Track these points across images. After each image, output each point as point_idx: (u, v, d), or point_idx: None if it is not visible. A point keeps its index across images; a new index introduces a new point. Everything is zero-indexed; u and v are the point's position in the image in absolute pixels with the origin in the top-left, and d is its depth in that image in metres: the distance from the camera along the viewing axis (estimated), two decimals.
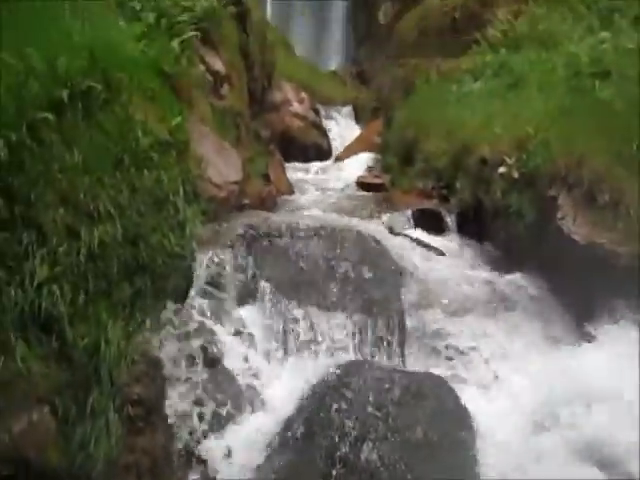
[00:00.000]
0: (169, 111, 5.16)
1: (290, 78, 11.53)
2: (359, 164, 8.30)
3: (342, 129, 10.95)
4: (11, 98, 3.23)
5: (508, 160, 4.69)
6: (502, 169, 4.66)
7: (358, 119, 11.33)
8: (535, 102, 6.41)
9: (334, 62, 18.11)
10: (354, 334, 3.92)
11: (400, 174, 6.74)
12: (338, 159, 9.25)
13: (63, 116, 3.60)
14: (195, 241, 4.07)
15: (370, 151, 8.72)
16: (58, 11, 5.66)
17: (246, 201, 5.31)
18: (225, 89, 8.00)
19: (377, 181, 6.85)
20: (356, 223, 4.63)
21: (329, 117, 11.27)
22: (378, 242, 4.38)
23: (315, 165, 8.95)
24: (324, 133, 10.40)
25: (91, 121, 3.85)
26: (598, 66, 6.75)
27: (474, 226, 5.07)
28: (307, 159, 9.62)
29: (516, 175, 4.57)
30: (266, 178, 6.58)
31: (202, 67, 7.74)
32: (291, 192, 6.63)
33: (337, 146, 10.35)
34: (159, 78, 5.81)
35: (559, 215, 4.04)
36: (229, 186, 4.72)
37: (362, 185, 6.92)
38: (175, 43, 6.74)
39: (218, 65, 7.99)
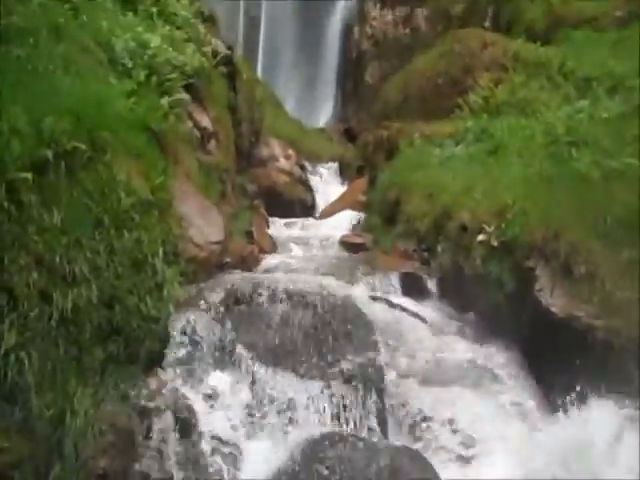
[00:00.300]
0: (153, 169, 5.21)
1: (278, 134, 11.76)
2: (343, 222, 8.37)
3: (327, 186, 11.11)
4: None
5: (487, 228, 4.76)
6: (481, 237, 4.72)
7: (343, 176, 11.50)
8: (514, 168, 6.58)
9: (322, 119, 18.56)
10: (331, 404, 3.84)
11: (382, 234, 6.80)
12: (322, 216, 9.33)
13: (45, 176, 3.60)
14: (172, 304, 4.02)
15: (354, 209, 8.81)
16: (49, 66, 5.77)
17: (227, 260, 5.29)
18: (212, 145, 8.14)
19: (359, 241, 6.90)
20: (337, 286, 4.62)
21: (315, 173, 11.44)
22: (359, 308, 4.36)
23: (299, 221, 9.00)
24: (309, 189, 10.54)
25: (73, 180, 3.85)
26: (574, 135, 7.00)
27: (455, 292, 5.09)
28: (292, 214, 9.69)
29: (495, 243, 4.63)
30: (249, 235, 6.59)
31: (190, 123, 7.89)
32: (274, 250, 6.64)
33: (322, 202, 10.45)
34: (146, 135, 5.89)
35: (537, 287, 4.07)
36: (210, 246, 4.71)
37: (345, 244, 6.96)
38: (164, 101, 6.88)
39: (206, 122, 8.15)
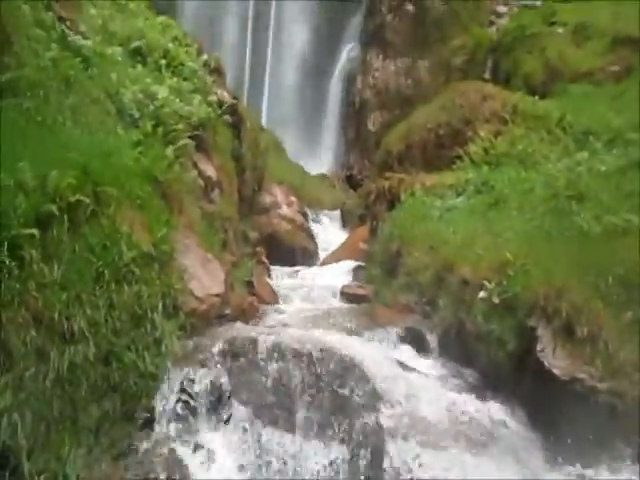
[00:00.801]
0: (156, 220, 5.25)
1: (281, 181, 11.90)
2: (344, 271, 8.36)
3: (329, 233, 11.15)
4: None
5: (488, 284, 4.75)
6: (483, 293, 4.71)
7: (345, 224, 11.57)
8: (515, 222, 6.62)
9: (325, 165, 18.81)
10: (331, 464, 3.75)
11: (384, 286, 6.78)
12: (324, 264, 9.33)
13: (48, 231, 3.63)
14: (170, 358, 3.99)
15: (355, 258, 8.82)
16: (58, 117, 5.90)
17: (227, 311, 5.26)
18: (216, 194, 8.23)
19: (361, 292, 6.88)
20: (338, 341, 4.57)
21: (317, 220, 11.51)
22: (359, 365, 4.30)
23: (301, 269, 9.00)
24: (311, 236, 10.58)
25: (76, 234, 3.89)
26: (574, 189, 7.06)
27: (457, 347, 5.04)
28: (294, 262, 9.70)
29: (496, 300, 4.61)
30: (250, 285, 6.58)
31: (195, 172, 8.00)
32: (275, 301, 6.61)
33: (323, 249, 10.48)
34: (151, 185, 5.96)
35: (539, 347, 4.03)
36: (210, 299, 4.70)
37: (346, 295, 6.94)
38: (170, 150, 7.00)
39: (210, 171, 8.26)
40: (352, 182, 16.92)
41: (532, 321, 4.21)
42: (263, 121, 18.61)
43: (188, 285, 4.61)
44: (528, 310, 4.34)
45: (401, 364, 4.68)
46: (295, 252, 9.98)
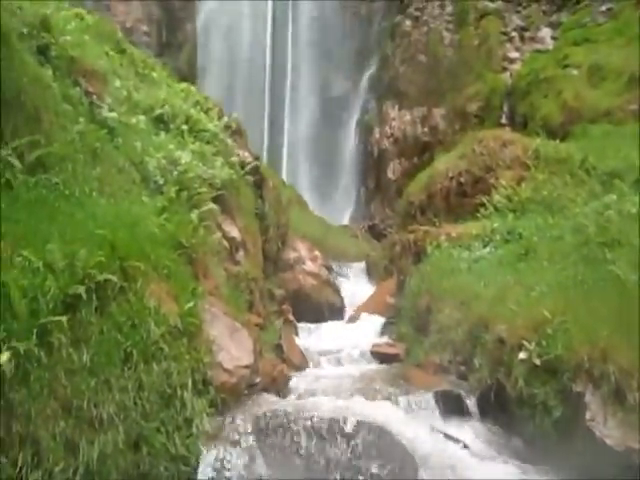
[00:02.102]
0: (183, 289, 5.21)
1: (303, 235, 11.90)
2: (372, 327, 8.19)
3: (355, 287, 11.02)
4: (26, 304, 3.25)
5: (527, 345, 4.55)
6: (522, 355, 4.51)
7: (370, 276, 11.44)
8: (547, 273, 6.41)
9: (346, 215, 18.88)
10: None
11: (415, 344, 6.59)
12: (351, 319, 9.17)
13: (77, 313, 3.60)
14: (201, 439, 3.85)
15: (383, 313, 8.66)
16: (85, 189, 5.99)
17: (257, 380, 5.11)
18: (240, 255, 8.22)
19: (392, 351, 6.68)
20: (374, 413, 4.38)
21: (342, 274, 11.41)
22: (396, 437, 4.10)
23: (328, 326, 8.84)
24: (337, 291, 10.46)
25: (104, 314, 3.84)
26: (606, 235, 6.85)
27: (498, 412, 4.79)
28: (320, 318, 9.56)
29: (537, 362, 4.40)
30: (278, 349, 6.46)
31: (219, 234, 8.03)
32: (304, 365, 6.45)
33: (350, 303, 10.33)
34: (176, 251, 5.97)
35: (588, 415, 3.80)
36: (240, 370, 4.58)
37: (377, 355, 6.74)
38: (194, 215, 7.05)
39: (234, 232, 8.29)
40: (375, 232, 16.88)
41: (578, 386, 3.99)
42: (283, 174, 18.89)
43: (217, 357, 4.51)
44: (572, 373, 4.12)
45: (441, 432, 4.45)
46: (322, 308, 9.85)
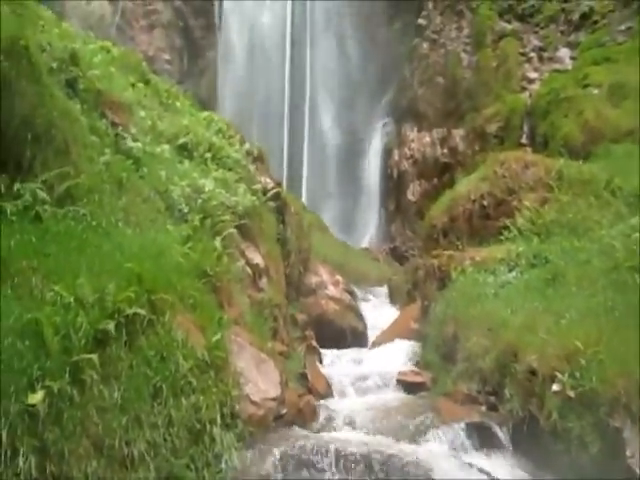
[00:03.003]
0: (209, 320, 5.23)
1: (325, 259, 11.90)
2: (397, 354, 8.07)
3: (378, 311, 10.94)
4: (58, 341, 3.28)
5: (560, 376, 4.44)
6: (556, 387, 4.40)
7: (393, 300, 11.35)
8: (576, 299, 6.28)
9: (366, 237, 18.86)
10: None
11: (442, 372, 6.48)
12: (375, 345, 9.08)
13: (107, 348, 3.62)
14: (231, 474, 3.82)
15: (407, 338, 8.55)
16: (112, 219, 6.08)
17: (284, 412, 5.07)
18: (264, 281, 8.23)
19: (418, 380, 6.58)
20: (403, 447, 4.30)
21: (364, 298, 11.34)
22: (427, 470, 4.01)
23: (352, 352, 8.76)
24: (360, 316, 10.38)
25: (133, 348, 3.86)
26: (634, 259, 6.71)
27: (531, 446, 4.67)
28: (344, 343, 9.49)
29: (572, 394, 4.29)
30: (303, 378, 6.40)
31: (242, 261, 8.07)
32: (329, 393, 6.38)
33: (373, 328, 10.24)
34: (201, 280, 6.02)
35: (628, 452, 3.68)
36: (267, 403, 4.55)
37: (403, 383, 6.64)
38: (218, 242, 7.10)
39: (257, 259, 8.32)
40: (396, 254, 16.82)
41: (616, 421, 3.87)
42: (303, 197, 18.99)
43: (244, 390, 4.49)
44: (609, 407, 4.00)
45: (473, 467, 4.34)
46: (345, 333, 9.78)
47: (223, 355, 4.49)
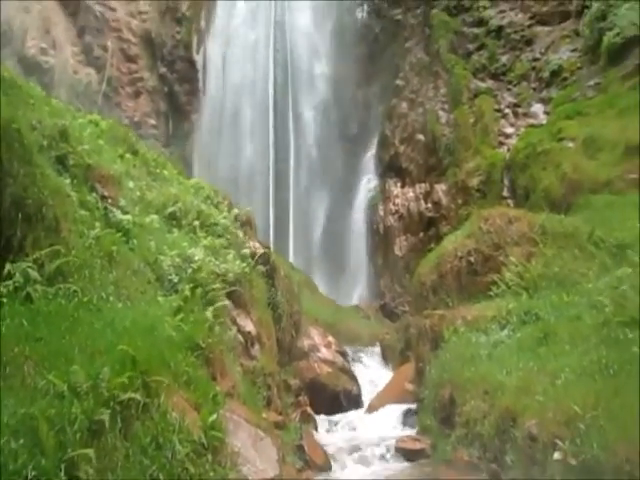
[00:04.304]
0: (204, 397, 5.15)
1: (316, 319, 11.84)
2: (393, 417, 7.97)
3: (371, 372, 10.82)
4: (53, 436, 3.20)
5: (561, 443, 4.40)
6: (557, 455, 4.35)
7: (386, 360, 11.26)
8: (570, 358, 6.29)
9: (356, 294, 18.84)
10: None
11: (441, 438, 6.39)
12: (371, 409, 8.94)
13: (102, 438, 3.54)
14: None
15: (402, 400, 8.46)
16: (102, 294, 6.04)
17: None
18: (256, 349, 8.15)
19: (418, 446, 6.46)
20: None
21: (357, 359, 11.23)
22: None
23: (348, 417, 8.60)
24: (353, 378, 10.26)
25: (129, 436, 3.78)
26: (624, 313, 6.78)
27: None
28: (338, 407, 9.34)
29: (574, 462, 4.24)
30: (300, 450, 6.26)
31: (234, 329, 8.01)
32: (327, 466, 6.23)
33: (367, 390, 10.10)
34: (193, 353, 5.95)
35: None
36: None
37: (402, 451, 6.52)
38: (209, 312, 7.06)
39: (249, 326, 8.27)
40: (386, 311, 16.78)
41: None
42: (290, 255, 19.04)
43: (242, 471, 4.37)
44: (613, 475, 3.96)
45: None
46: (339, 397, 9.63)
47: (220, 435, 4.40)
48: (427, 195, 19.28)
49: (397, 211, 19.50)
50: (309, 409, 8.51)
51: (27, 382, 3.76)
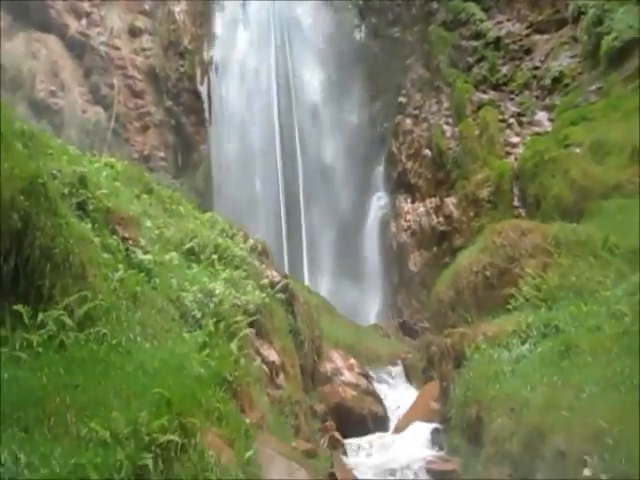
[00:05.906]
0: (237, 432, 5.29)
1: (336, 342, 11.92)
2: (421, 437, 8.02)
3: (396, 392, 10.87)
4: None
5: (590, 460, 4.47)
6: (587, 472, 4.42)
7: (409, 379, 11.30)
8: (592, 370, 6.34)
9: (374, 313, 18.91)
10: None
11: (470, 457, 6.44)
12: (398, 429, 8.99)
13: None
14: None
15: (429, 420, 8.50)
16: (130, 335, 6.23)
17: None
18: (281, 378, 8.28)
19: (448, 467, 6.52)
20: None
21: (380, 380, 11.29)
22: None
23: (376, 440, 8.66)
24: (378, 399, 10.31)
25: (170, 477, 3.92)
26: None
27: None
28: (365, 429, 9.40)
29: (604, 478, 4.31)
30: (333, 478, 6.34)
31: (258, 359, 8.14)
32: None
33: (393, 410, 10.15)
34: (222, 387, 6.09)
35: None
36: None
37: (433, 473, 6.57)
38: (234, 345, 7.21)
39: (273, 355, 8.40)
40: (406, 329, 16.81)
41: None
42: (305, 278, 19.18)
43: None
44: None
45: None
46: (365, 419, 9.69)
47: (256, 471, 4.52)
48: (438, 209, 19.38)
49: (409, 227, 19.62)
50: (337, 434, 8.58)
51: (71, 430, 3.93)
